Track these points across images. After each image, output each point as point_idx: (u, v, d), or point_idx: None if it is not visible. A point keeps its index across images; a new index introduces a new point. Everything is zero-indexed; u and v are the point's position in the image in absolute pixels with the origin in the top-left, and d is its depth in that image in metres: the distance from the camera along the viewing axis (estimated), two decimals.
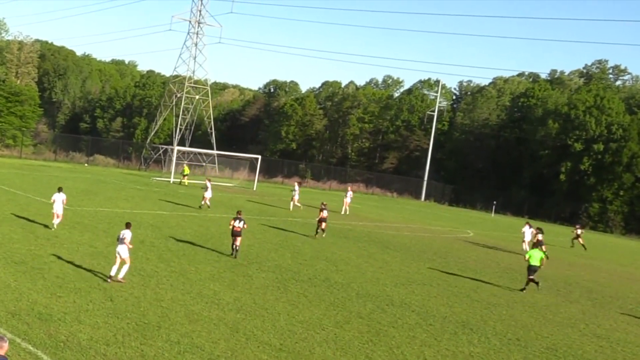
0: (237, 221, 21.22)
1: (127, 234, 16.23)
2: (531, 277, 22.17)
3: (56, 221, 22.69)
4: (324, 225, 28.41)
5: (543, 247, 23.47)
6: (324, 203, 29.68)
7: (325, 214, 28.46)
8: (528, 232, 33.50)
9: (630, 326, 19.28)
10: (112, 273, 15.88)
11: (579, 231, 39.83)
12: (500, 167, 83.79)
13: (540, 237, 26.13)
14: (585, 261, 35.55)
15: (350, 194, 44.31)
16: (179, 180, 49.99)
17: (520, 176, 79.76)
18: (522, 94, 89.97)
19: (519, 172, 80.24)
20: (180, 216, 29.19)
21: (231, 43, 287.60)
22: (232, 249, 21.46)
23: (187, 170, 51.14)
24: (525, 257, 22.96)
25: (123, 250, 16.02)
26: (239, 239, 21.24)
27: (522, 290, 22.35)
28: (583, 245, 38.86)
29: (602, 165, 72.48)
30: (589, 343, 16.40)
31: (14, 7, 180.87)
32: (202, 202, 34.46)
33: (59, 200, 22.83)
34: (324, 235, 28.47)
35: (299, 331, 13.65)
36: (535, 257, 22.14)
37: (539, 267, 22.21)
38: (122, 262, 16.05)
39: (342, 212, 41.86)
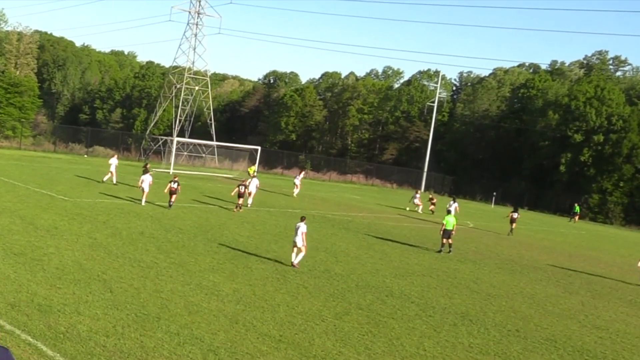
0: (174, 183, 28.46)
1: (302, 226, 19.04)
2: (447, 239, 26.42)
3: (144, 199, 28.56)
4: (173, 198, 28.92)
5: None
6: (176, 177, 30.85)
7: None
8: (453, 207, 39.77)
9: (629, 317, 19.31)
10: (293, 259, 19.17)
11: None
12: (500, 158, 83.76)
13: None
14: (585, 252, 35.60)
15: (300, 177, 45.43)
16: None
17: (520, 167, 79.74)
18: (522, 84, 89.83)
19: (519, 163, 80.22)
20: (179, 207, 29.17)
21: (231, 34, 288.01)
22: (169, 204, 28.36)
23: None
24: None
25: (299, 240, 18.96)
26: (175, 196, 28.53)
27: (438, 251, 26.39)
28: None
29: (602, 156, 72.46)
30: (589, 334, 16.42)
31: None
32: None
33: (146, 181, 28.71)
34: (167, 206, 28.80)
35: (299, 322, 13.65)
36: (450, 222, 26.43)
37: (452, 230, 26.39)
38: (299, 250, 19.11)
39: (295, 195, 43.14)
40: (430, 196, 48.30)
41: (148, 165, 37.68)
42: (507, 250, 30.91)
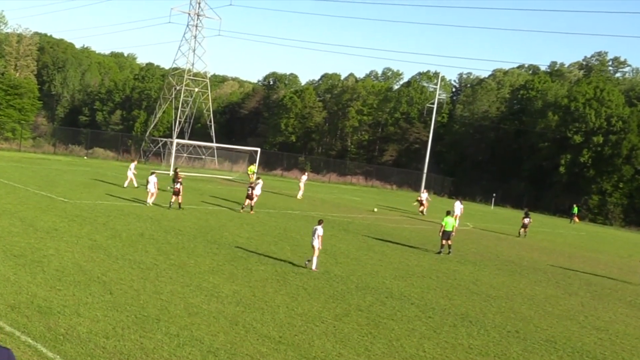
0: (176, 184, 28.79)
1: (319, 229, 19.46)
2: (447, 240, 26.40)
3: (150, 200, 28.82)
4: (179, 199, 29.35)
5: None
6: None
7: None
8: (457, 207, 39.40)
9: (629, 318, 19.31)
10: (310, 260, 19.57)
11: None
12: (499, 160, 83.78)
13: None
14: (585, 253, 35.61)
15: (304, 178, 45.89)
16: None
17: (520, 168, 79.76)
18: (521, 86, 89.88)
19: (518, 164, 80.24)
20: (179, 209, 29.17)
21: (230, 35, 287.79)
22: (170, 203, 28.77)
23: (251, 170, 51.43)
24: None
25: (315, 242, 19.37)
26: (179, 197, 28.78)
27: (438, 253, 26.35)
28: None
29: (601, 157, 72.49)
30: (588, 335, 16.42)
31: None
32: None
33: (152, 182, 28.84)
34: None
35: (299, 324, 13.65)
36: (449, 223, 26.39)
37: (451, 232, 26.36)
38: (313, 252, 19.42)
39: (299, 197, 43.26)
40: (420, 198, 48.24)
41: (178, 170, 37.35)
42: (507, 252, 30.91)
